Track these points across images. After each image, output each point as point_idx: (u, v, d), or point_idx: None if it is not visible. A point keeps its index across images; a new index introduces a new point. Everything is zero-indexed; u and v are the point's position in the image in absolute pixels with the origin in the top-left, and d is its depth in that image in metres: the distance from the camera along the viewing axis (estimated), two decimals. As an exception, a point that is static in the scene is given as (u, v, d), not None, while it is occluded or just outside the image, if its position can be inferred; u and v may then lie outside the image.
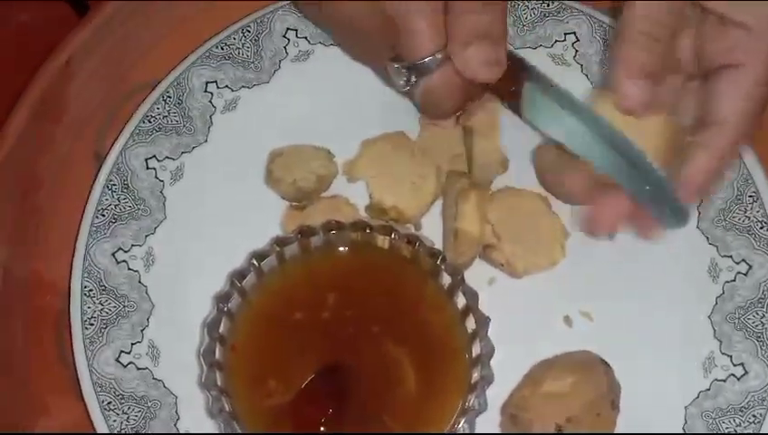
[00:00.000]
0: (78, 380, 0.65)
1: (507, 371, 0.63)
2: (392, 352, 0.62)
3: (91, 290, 0.67)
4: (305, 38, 0.72)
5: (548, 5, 0.72)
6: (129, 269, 0.68)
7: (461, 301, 0.62)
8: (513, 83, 0.61)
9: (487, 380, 0.60)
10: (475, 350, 0.61)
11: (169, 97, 0.70)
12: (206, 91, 0.71)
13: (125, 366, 0.66)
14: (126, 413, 0.65)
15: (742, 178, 0.68)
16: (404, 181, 0.69)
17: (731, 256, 0.68)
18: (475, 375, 0.61)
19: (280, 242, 0.63)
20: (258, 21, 0.72)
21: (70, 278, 0.67)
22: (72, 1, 0.78)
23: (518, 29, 0.72)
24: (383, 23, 0.58)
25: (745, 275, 0.67)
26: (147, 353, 0.66)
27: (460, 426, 0.60)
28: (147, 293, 0.68)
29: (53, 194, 0.71)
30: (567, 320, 0.68)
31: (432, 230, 0.69)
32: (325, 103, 0.71)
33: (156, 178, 0.70)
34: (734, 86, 0.58)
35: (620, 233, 0.68)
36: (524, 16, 0.72)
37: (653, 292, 0.68)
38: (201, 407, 0.64)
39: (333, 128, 0.70)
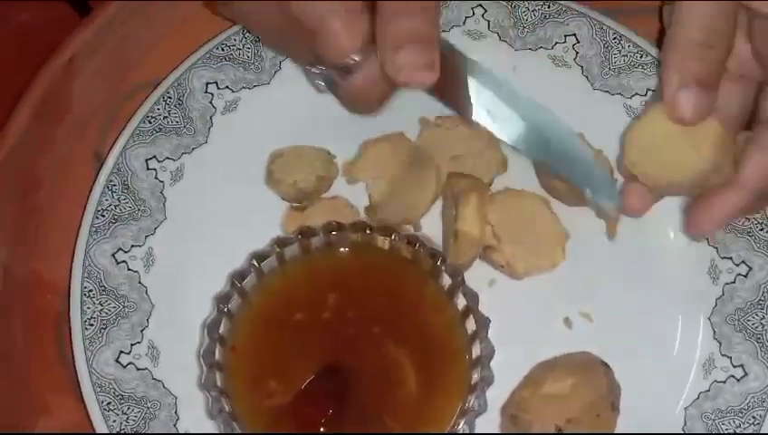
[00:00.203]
0: (78, 380, 0.65)
1: (507, 372, 0.63)
2: (392, 352, 0.62)
3: (90, 290, 0.67)
4: (306, 39, 0.72)
5: (548, 7, 0.72)
6: (129, 270, 0.68)
7: (461, 302, 0.63)
8: (454, 83, 0.59)
9: (487, 381, 0.60)
10: (476, 351, 0.62)
11: (170, 98, 0.70)
12: (206, 91, 0.71)
13: (125, 366, 0.66)
14: (125, 414, 0.65)
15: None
16: (404, 182, 0.69)
17: (731, 258, 0.68)
18: (475, 376, 0.61)
19: (280, 243, 0.63)
20: (259, 22, 0.72)
21: (70, 279, 0.67)
22: (74, 1, 0.78)
23: (518, 31, 0.72)
24: (295, 24, 0.56)
25: (745, 276, 0.67)
26: (146, 354, 0.66)
27: (460, 427, 0.60)
28: (147, 293, 0.67)
29: (54, 194, 0.71)
30: (567, 321, 0.68)
31: (432, 231, 0.69)
32: (325, 104, 0.70)
33: (156, 178, 0.70)
34: None
35: (620, 233, 0.69)
36: (525, 18, 0.72)
37: (653, 293, 0.68)
38: (201, 407, 0.64)
39: (333, 129, 0.70)
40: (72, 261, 0.67)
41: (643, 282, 0.68)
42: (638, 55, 0.71)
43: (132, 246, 0.68)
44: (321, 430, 0.60)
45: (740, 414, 0.65)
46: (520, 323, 0.67)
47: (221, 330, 0.62)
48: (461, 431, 0.60)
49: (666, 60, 0.57)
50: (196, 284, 0.67)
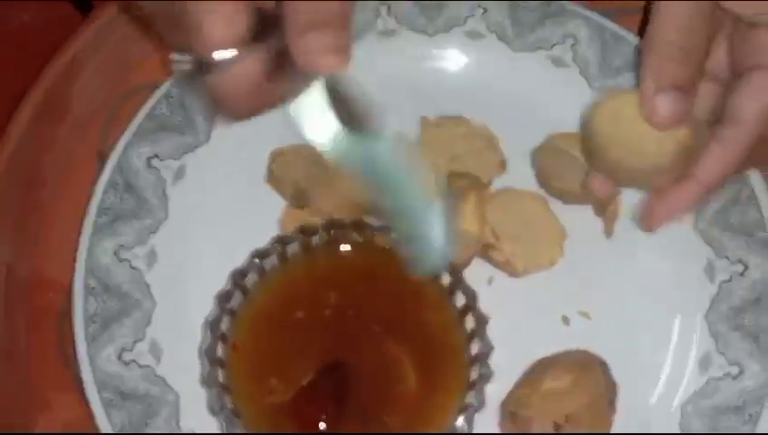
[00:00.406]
0: (80, 377, 0.65)
1: (506, 369, 0.63)
2: (392, 350, 0.62)
3: (93, 288, 0.67)
4: (306, 39, 0.72)
5: (547, 7, 0.72)
6: (132, 268, 0.68)
7: (460, 300, 0.63)
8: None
9: (486, 378, 0.60)
10: (474, 348, 0.62)
11: (172, 97, 0.71)
12: (208, 90, 0.71)
13: (127, 364, 0.66)
14: (128, 411, 0.65)
15: (738, 179, 0.69)
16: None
17: (727, 257, 0.68)
18: (474, 373, 0.61)
19: (281, 241, 0.64)
20: (260, 21, 0.72)
21: (72, 276, 0.67)
22: (77, 0, 0.78)
23: (517, 31, 0.72)
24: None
25: (741, 275, 0.68)
26: (149, 351, 0.66)
27: (459, 424, 0.60)
28: (149, 291, 0.68)
29: (57, 193, 0.71)
30: (565, 319, 0.68)
31: (431, 230, 0.69)
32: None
33: (158, 177, 0.70)
34: (758, 88, 0.56)
35: (617, 231, 0.69)
36: (523, 19, 0.73)
37: (650, 292, 0.68)
38: (203, 405, 0.64)
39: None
40: (74, 259, 0.68)
41: (640, 280, 0.68)
42: (637, 55, 0.71)
43: (135, 244, 0.68)
44: (322, 427, 0.60)
45: (736, 412, 0.65)
46: (518, 320, 0.67)
47: (223, 327, 0.62)
48: (460, 428, 0.60)
49: (644, 61, 0.56)
50: (198, 281, 0.67)
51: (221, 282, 0.64)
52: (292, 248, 0.64)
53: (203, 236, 0.69)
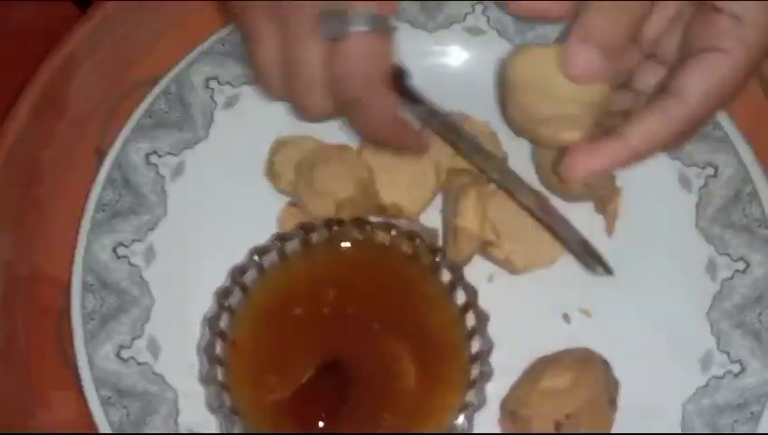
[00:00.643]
0: (78, 374, 0.65)
1: (506, 367, 0.63)
2: (392, 348, 0.62)
3: (91, 285, 0.67)
4: (306, 35, 0.72)
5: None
6: (130, 264, 0.68)
7: (461, 297, 0.63)
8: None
9: (486, 375, 0.60)
10: (475, 346, 0.62)
11: (171, 93, 0.71)
12: (207, 87, 0.71)
13: (125, 361, 0.66)
14: (126, 408, 0.65)
15: (739, 177, 0.69)
16: (403, 178, 0.69)
17: (729, 255, 0.68)
18: (475, 371, 0.61)
19: (281, 238, 0.64)
20: (259, 18, 0.72)
21: (70, 273, 0.67)
22: (77, -1, 0.78)
23: (517, 27, 0.72)
24: None
25: (743, 272, 0.68)
26: (147, 349, 0.66)
27: (459, 422, 0.60)
28: (147, 288, 0.68)
29: (55, 190, 0.71)
30: (566, 317, 0.68)
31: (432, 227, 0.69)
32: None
33: (157, 173, 0.70)
34: (709, 67, 0.55)
35: (618, 229, 0.69)
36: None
37: (651, 289, 0.68)
38: (201, 402, 0.64)
39: (335, 126, 0.70)
40: (72, 256, 0.67)
41: (641, 278, 0.68)
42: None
43: (133, 240, 0.68)
44: (321, 424, 0.60)
45: (737, 410, 0.65)
46: (519, 318, 0.67)
47: (222, 325, 0.62)
48: (460, 426, 0.60)
49: (582, 7, 0.55)
50: (197, 278, 0.67)
51: (220, 279, 0.64)
52: (292, 245, 0.64)
53: (202, 233, 0.69)
